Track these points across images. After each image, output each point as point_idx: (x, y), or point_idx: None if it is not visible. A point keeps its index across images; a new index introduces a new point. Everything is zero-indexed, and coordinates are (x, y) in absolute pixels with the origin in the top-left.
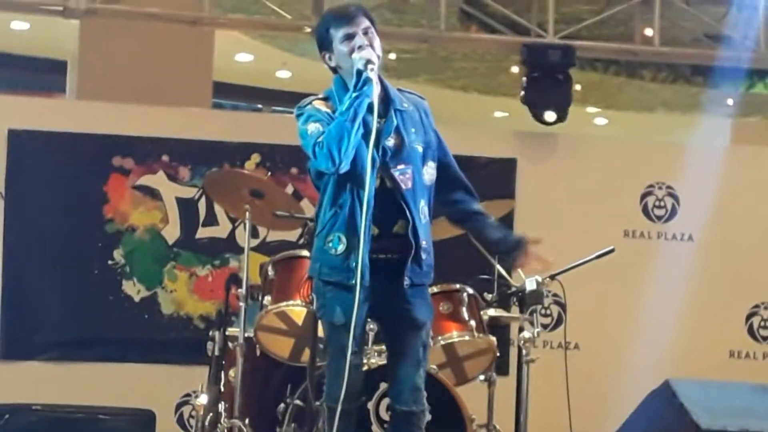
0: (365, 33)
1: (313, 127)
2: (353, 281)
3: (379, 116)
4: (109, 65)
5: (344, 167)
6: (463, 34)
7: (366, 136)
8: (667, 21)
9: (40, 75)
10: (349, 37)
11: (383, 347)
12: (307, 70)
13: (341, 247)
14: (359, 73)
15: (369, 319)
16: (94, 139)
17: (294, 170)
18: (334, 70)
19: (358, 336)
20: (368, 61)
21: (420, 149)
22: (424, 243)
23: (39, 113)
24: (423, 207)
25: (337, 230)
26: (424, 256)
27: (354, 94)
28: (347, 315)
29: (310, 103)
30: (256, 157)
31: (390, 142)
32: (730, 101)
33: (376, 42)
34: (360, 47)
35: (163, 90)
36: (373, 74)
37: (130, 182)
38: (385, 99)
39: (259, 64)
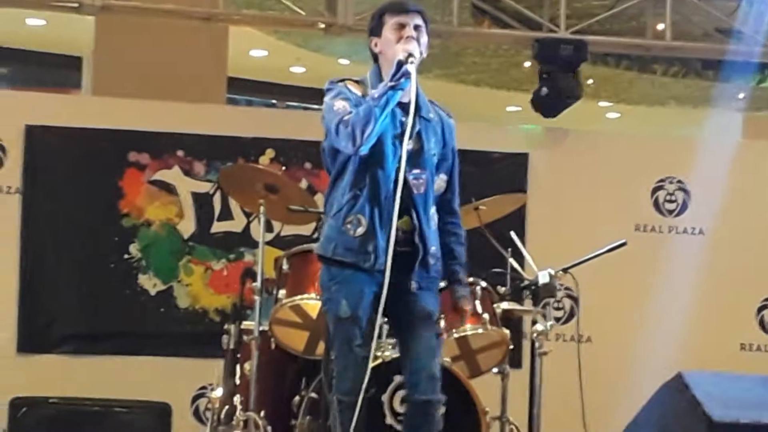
0: (416, 28)
1: (340, 104)
2: (367, 264)
3: (405, 115)
4: (124, 61)
5: (363, 150)
6: (476, 29)
7: (396, 125)
8: (678, 15)
9: (56, 71)
10: (400, 27)
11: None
12: (320, 65)
13: (361, 230)
14: (399, 64)
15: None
16: (109, 135)
17: (308, 165)
18: (375, 58)
19: (365, 328)
20: (410, 54)
21: (436, 159)
22: (433, 248)
23: (55, 109)
24: (434, 214)
25: (357, 212)
26: (432, 261)
27: (390, 84)
28: (353, 307)
29: (342, 80)
30: (270, 152)
31: (410, 145)
32: (741, 95)
33: (424, 40)
34: (407, 39)
35: (178, 86)
36: (412, 68)
37: (146, 177)
38: (414, 103)
39: (273, 59)
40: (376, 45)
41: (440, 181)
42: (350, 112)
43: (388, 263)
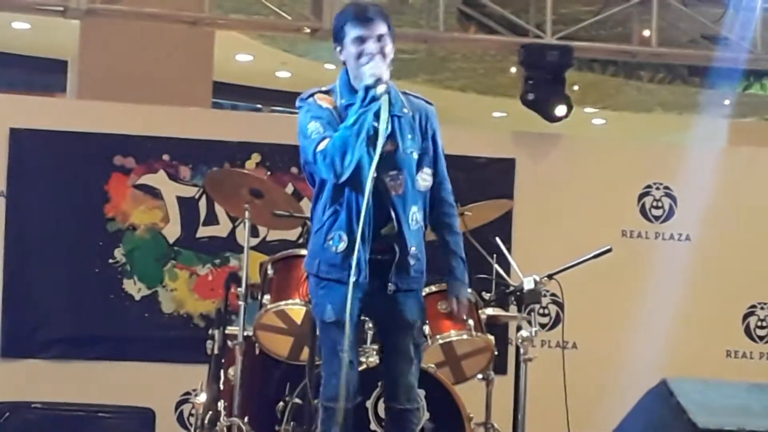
0: (379, 39)
1: (312, 127)
2: (353, 279)
3: (376, 119)
4: (109, 65)
5: (344, 177)
6: (462, 34)
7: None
8: (664, 22)
9: (41, 75)
10: (361, 41)
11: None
12: (306, 70)
13: (342, 245)
14: (366, 89)
15: (366, 318)
16: (95, 139)
17: (294, 170)
18: (344, 62)
19: (350, 333)
20: (378, 79)
21: (415, 156)
22: (413, 249)
23: (40, 113)
24: (415, 213)
25: (338, 229)
26: (412, 261)
27: (361, 110)
28: (337, 312)
29: (311, 95)
30: (256, 157)
31: (385, 147)
32: (727, 102)
33: (389, 48)
34: (370, 56)
35: (164, 90)
36: (381, 88)
37: (131, 181)
38: (384, 130)
39: (258, 64)
40: (341, 53)
41: (425, 175)
42: (324, 138)
43: (354, 259)
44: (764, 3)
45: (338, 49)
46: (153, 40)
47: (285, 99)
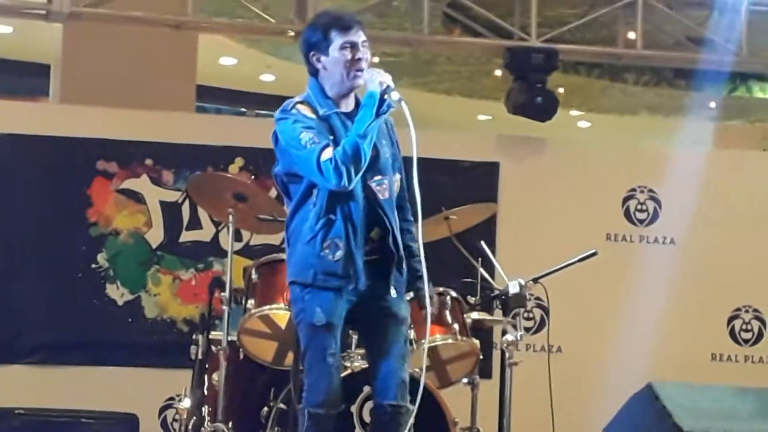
0: (364, 45)
1: (306, 136)
2: (350, 287)
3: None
4: (92, 69)
5: (351, 186)
6: (447, 37)
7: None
8: (649, 24)
9: (24, 79)
10: (351, 47)
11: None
12: (290, 73)
13: (339, 253)
14: (379, 98)
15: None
16: (77, 143)
17: None
18: (314, 72)
19: (337, 337)
20: (388, 87)
21: (390, 161)
22: (401, 251)
23: (22, 117)
24: (395, 216)
25: (334, 237)
26: (404, 264)
27: (375, 119)
28: (327, 315)
29: (294, 106)
30: (239, 161)
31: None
32: (712, 104)
33: (368, 56)
34: (366, 62)
35: (147, 94)
36: (395, 96)
37: (114, 186)
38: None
39: (242, 67)
40: (319, 60)
41: (396, 181)
42: (325, 146)
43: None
44: (749, 5)
45: (316, 57)
46: (136, 43)
47: (269, 102)
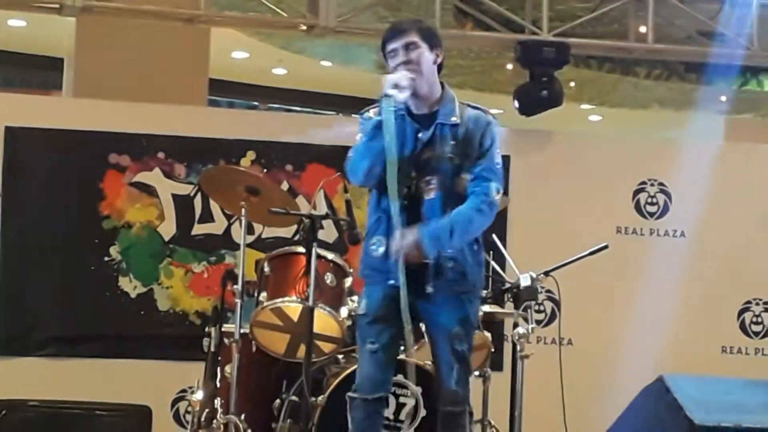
0: (406, 48)
1: (358, 138)
2: (389, 282)
3: (421, 129)
4: (105, 63)
5: (370, 184)
6: (459, 31)
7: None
8: (660, 18)
9: (37, 72)
10: (392, 54)
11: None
12: (302, 67)
13: (382, 250)
14: (385, 96)
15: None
16: (90, 136)
17: (289, 167)
18: None
19: (381, 326)
20: (395, 85)
21: (456, 161)
22: (448, 251)
23: (36, 110)
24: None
25: (379, 233)
26: (449, 264)
27: (378, 118)
28: (368, 307)
29: (367, 110)
30: (251, 154)
31: (424, 154)
32: (723, 98)
33: (414, 55)
34: (396, 67)
35: (159, 87)
36: (398, 94)
37: (126, 179)
38: (432, 114)
39: (254, 61)
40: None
41: (461, 180)
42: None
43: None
44: None
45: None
46: (149, 37)
47: (281, 96)
